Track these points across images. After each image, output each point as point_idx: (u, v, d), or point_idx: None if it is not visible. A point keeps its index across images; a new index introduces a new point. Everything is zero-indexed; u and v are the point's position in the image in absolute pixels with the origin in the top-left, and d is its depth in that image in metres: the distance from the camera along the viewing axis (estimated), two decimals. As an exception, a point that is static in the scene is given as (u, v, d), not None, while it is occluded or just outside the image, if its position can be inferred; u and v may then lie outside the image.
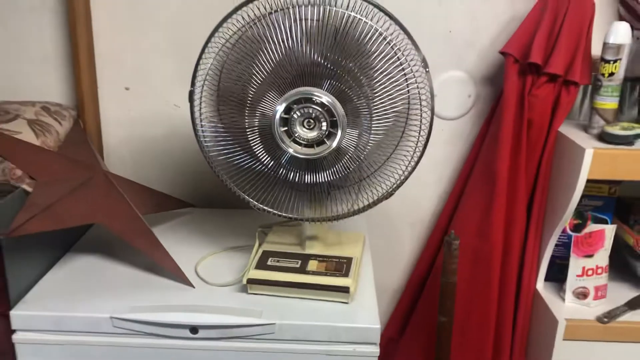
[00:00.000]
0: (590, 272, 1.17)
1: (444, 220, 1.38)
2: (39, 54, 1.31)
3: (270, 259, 1.06)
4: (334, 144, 0.92)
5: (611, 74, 1.12)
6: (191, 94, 0.96)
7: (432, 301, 1.34)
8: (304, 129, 0.93)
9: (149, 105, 1.36)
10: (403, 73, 0.94)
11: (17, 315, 0.97)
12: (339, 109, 0.90)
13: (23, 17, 1.28)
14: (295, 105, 0.91)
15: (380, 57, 0.92)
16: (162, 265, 1.07)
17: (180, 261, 1.09)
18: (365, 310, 1.00)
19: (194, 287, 1.05)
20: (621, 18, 1.29)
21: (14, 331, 0.98)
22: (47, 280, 1.07)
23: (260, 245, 1.12)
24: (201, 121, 0.95)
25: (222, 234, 1.26)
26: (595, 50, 1.21)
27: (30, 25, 1.29)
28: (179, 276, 1.06)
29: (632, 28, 1.13)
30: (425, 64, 0.93)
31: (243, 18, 0.93)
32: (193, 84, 0.95)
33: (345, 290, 1.00)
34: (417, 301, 1.40)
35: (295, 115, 0.91)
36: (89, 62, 1.29)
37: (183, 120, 1.37)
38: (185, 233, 1.26)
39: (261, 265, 1.05)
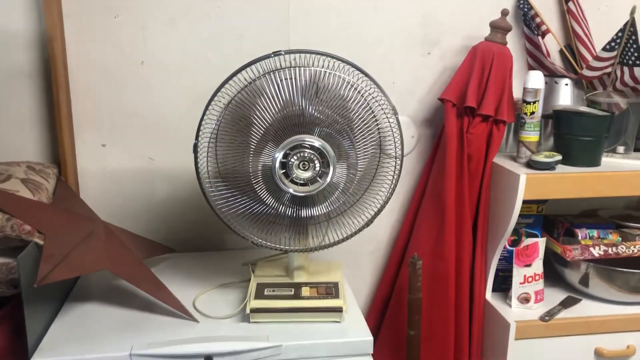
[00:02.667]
0: (530, 279, 1.39)
1: (400, 246, 1.56)
2: (17, 116, 1.37)
3: (266, 289, 1.18)
4: (328, 180, 1.07)
5: (532, 113, 1.36)
6: (195, 147, 1.09)
7: (397, 317, 1.50)
8: (300, 170, 1.07)
9: (124, 160, 1.45)
10: (374, 117, 1.11)
11: (38, 362, 1.03)
12: (329, 150, 1.06)
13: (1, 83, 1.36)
14: (291, 152, 1.06)
15: (353, 102, 1.09)
16: (167, 304, 1.16)
17: (177, 300, 1.18)
18: (356, 326, 1.15)
19: (198, 322, 1.15)
20: (530, 67, 1.55)
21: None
22: (56, 327, 1.12)
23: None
24: (208, 172, 1.07)
25: (205, 274, 1.36)
26: (515, 93, 1.45)
27: (9, 90, 1.36)
28: (183, 313, 1.15)
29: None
30: (395, 111, 1.12)
31: (237, 81, 1.08)
32: (197, 137, 1.08)
33: (338, 310, 1.14)
34: (382, 320, 1.56)
35: (292, 160, 1.06)
36: (68, 123, 1.37)
37: (157, 172, 1.47)
38: (172, 275, 1.35)
39: (259, 295, 1.17)
